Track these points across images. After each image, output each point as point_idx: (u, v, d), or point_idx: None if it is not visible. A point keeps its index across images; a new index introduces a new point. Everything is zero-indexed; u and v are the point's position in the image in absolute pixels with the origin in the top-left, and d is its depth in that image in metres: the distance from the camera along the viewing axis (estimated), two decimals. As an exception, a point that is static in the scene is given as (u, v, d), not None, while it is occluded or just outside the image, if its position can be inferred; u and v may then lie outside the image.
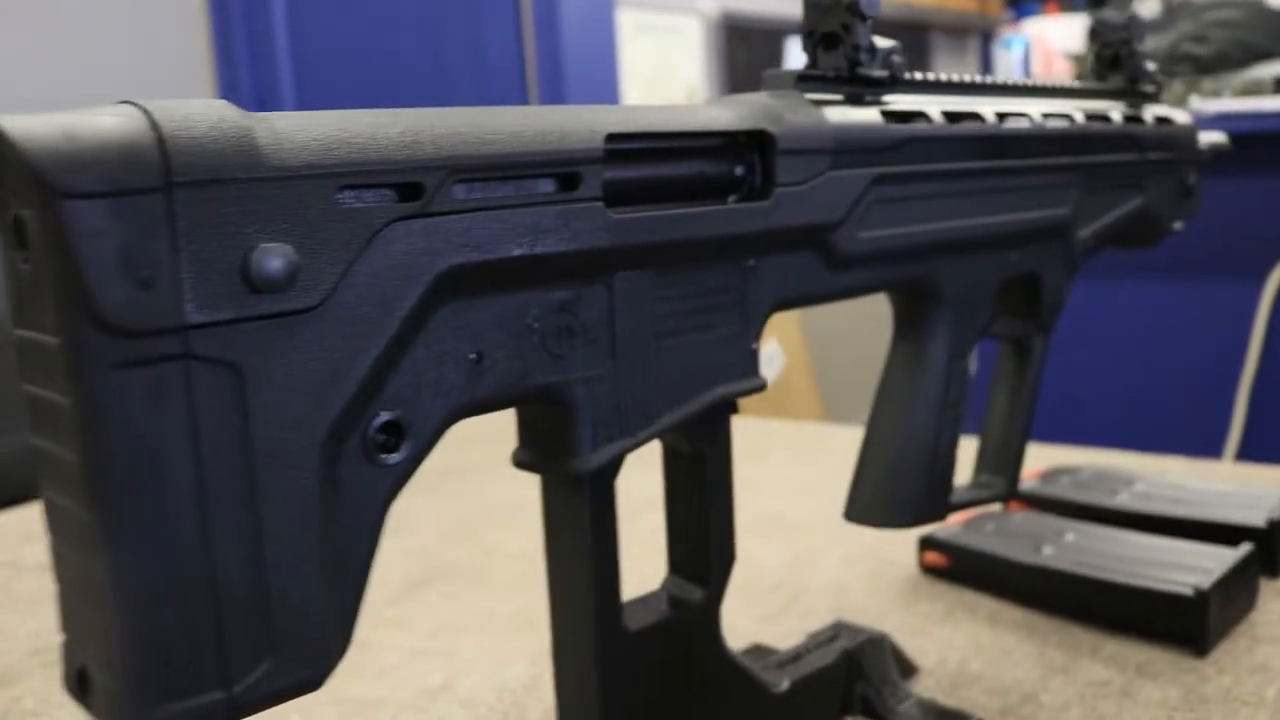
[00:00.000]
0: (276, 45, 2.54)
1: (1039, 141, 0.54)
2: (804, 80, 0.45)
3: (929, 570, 0.65)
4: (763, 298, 0.42)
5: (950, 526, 0.66)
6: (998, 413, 0.59)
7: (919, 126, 0.47)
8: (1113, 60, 0.66)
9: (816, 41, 0.47)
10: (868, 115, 0.45)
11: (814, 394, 2.36)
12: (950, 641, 0.58)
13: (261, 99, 2.57)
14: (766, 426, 1.07)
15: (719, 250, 0.40)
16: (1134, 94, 0.66)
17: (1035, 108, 0.55)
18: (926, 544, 0.66)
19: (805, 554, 0.71)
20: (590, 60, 2.10)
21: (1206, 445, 1.51)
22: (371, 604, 0.59)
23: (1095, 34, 0.67)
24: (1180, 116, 0.69)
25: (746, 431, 0.93)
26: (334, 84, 2.51)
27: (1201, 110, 1.46)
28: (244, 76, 2.56)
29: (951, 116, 0.50)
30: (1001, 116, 0.53)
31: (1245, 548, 0.58)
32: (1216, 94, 1.54)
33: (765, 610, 0.63)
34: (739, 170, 0.41)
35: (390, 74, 2.39)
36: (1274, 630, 0.57)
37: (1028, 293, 0.58)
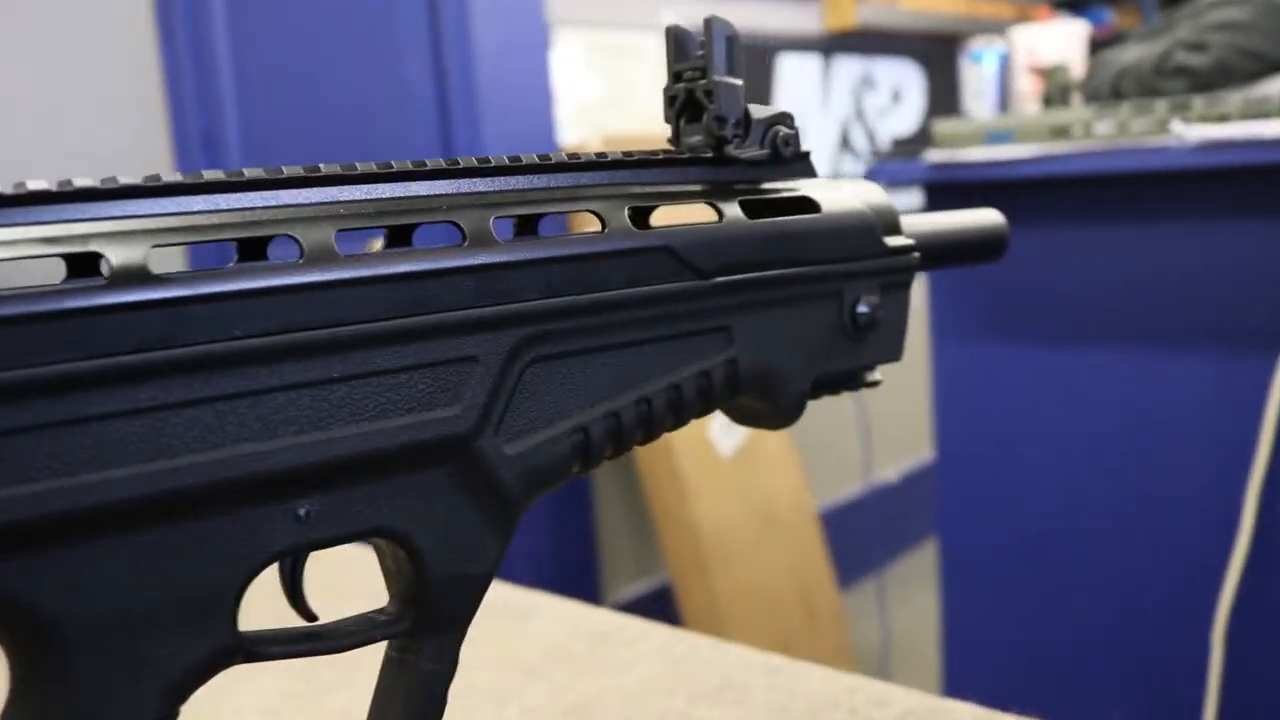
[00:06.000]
0: (222, 89, 2.39)
1: (333, 298, 0.27)
2: None
3: None
4: None
5: None
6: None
7: None
8: (688, 105, 0.38)
9: None
10: None
11: (791, 459, 2.05)
12: None
13: (208, 133, 2.43)
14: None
15: None
16: (722, 162, 0.38)
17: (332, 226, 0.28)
18: None
19: None
20: (515, 89, 1.85)
21: (1205, 572, 1.16)
22: None
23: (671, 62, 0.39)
24: (839, 197, 0.40)
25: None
26: (277, 116, 2.34)
27: (1182, 137, 1.12)
28: (192, 116, 2.42)
29: None
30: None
31: None
32: (1224, 117, 1.19)
33: None
34: None
35: (324, 109, 2.19)
36: None
37: (400, 564, 0.31)
